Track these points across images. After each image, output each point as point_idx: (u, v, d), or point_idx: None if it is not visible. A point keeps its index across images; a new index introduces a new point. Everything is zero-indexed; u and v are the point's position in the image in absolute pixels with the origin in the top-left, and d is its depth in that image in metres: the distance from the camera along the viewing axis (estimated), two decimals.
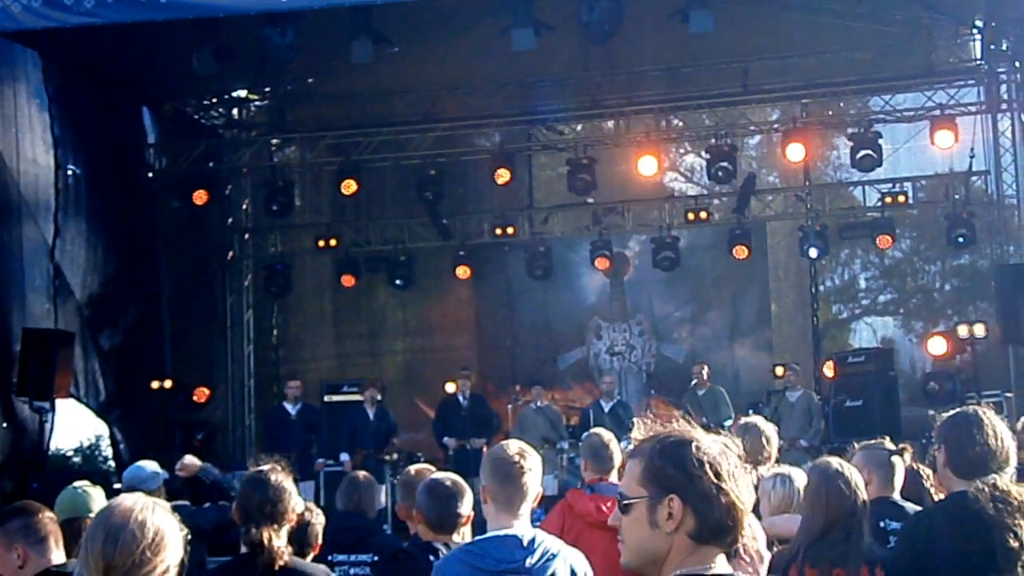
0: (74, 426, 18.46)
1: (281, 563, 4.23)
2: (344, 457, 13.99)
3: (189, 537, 2.89)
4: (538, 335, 18.50)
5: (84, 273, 14.87)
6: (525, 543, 3.84)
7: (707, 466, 2.32)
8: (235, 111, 18.96)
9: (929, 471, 5.35)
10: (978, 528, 3.77)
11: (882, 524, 4.89)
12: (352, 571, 5.84)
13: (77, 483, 5.46)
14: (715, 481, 2.31)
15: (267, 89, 18.49)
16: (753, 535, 2.41)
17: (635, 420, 2.52)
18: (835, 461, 4.67)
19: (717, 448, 2.37)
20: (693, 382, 14.83)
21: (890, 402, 13.93)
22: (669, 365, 17.86)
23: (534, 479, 4.00)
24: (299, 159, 18.56)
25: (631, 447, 2.47)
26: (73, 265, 14.61)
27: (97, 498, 5.26)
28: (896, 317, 20.53)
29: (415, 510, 4.69)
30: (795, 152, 16.13)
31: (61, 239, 14.29)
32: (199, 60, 13.09)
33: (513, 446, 4.08)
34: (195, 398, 16.83)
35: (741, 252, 17.02)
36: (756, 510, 4.69)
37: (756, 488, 4.77)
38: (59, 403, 13.66)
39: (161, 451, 13.74)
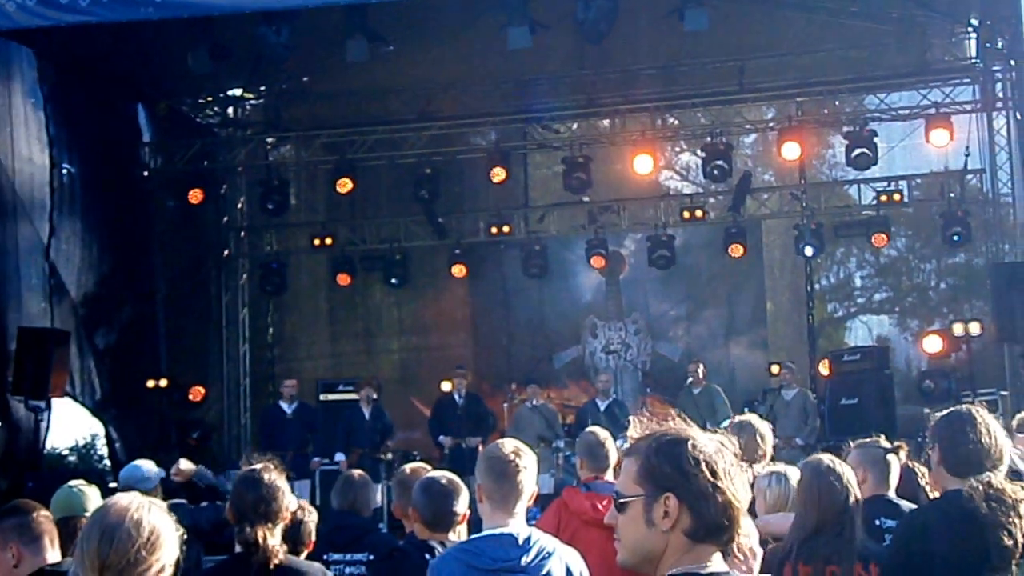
0: (70, 425, 18.51)
1: (276, 562, 4.23)
2: (340, 456, 13.97)
3: (185, 537, 2.88)
4: (534, 334, 18.50)
5: (79, 272, 14.86)
6: (521, 541, 3.84)
7: (703, 464, 2.32)
8: (230, 110, 18.94)
9: (924, 469, 5.35)
10: (972, 526, 3.78)
11: (878, 522, 4.90)
12: (348, 570, 5.84)
13: (73, 482, 5.45)
14: (711, 479, 2.32)
15: (262, 88, 18.48)
16: (746, 532, 2.40)
17: (631, 418, 2.52)
18: (827, 458, 4.67)
19: (713, 446, 2.37)
20: (689, 380, 14.84)
21: (886, 400, 13.93)
22: (665, 363, 17.86)
23: (529, 477, 4.00)
24: (294, 158, 18.55)
25: (627, 445, 2.47)
26: (68, 264, 14.60)
27: (93, 497, 5.26)
28: (891, 315, 20.59)
29: (411, 508, 4.69)
30: (790, 150, 16.15)
31: (56, 238, 14.29)
32: (194, 59, 13.09)
33: (508, 445, 4.08)
34: (190, 397, 16.83)
35: (737, 250, 17.03)
36: (752, 508, 4.70)
37: (752, 486, 4.77)
38: (55, 402, 13.65)
39: (157, 450, 13.78)
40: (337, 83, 16.90)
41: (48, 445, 14.33)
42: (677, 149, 20.56)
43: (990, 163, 16.46)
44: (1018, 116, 15.08)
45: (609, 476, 5.67)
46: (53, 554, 4.24)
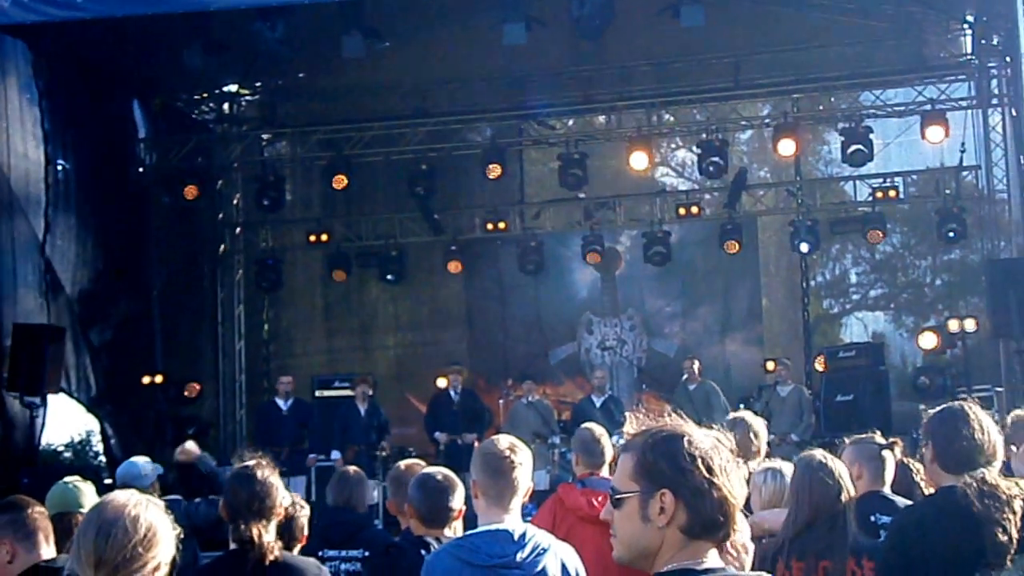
0: (65, 421, 18.49)
1: (272, 558, 4.23)
2: (335, 453, 13.97)
3: (182, 535, 2.89)
4: (529, 330, 18.49)
5: (74, 268, 14.84)
6: (516, 538, 3.84)
7: (699, 460, 2.33)
8: (226, 106, 18.90)
9: (919, 466, 5.36)
10: (967, 522, 3.78)
11: (872, 518, 4.90)
12: (343, 566, 5.84)
13: (68, 478, 5.44)
14: (707, 476, 2.32)
15: (258, 84, 18.44)
16: (738, 528, 2.41)
17: (627, 415, 2.52)
18: (819, 453, 4.68)
19: (709, 442, 2.37)
20: (684, 377, 14.86)
21: (881, 397, 13.93)
22: (660, 360, 17.87)
23: (525, 474, 4.00)
24: (290, 154, 18.54)
25: (623, 442, 2.47)
26: (64, 260, 14.58)
27: (88, 493, 5.25)
28: (887, 312, 20.58)
29: (406, 504, 4.69)
30: (786, 147, 16.17)
31: (51, 234, 14.27)
32: (189, 55, 13.08)
33: (504, 441, 4.07)
34: (186, 393, 16.80)
35: (732, 247, 17.03)
36: (747, 505, 4.71)
37: (747, 482, 4.78)
38: (50, 398, 13.61)
39: (152, 446, 13.77)
40: (333, 79, 16.89)
41: (43, 441, 14.29)
42: (673, 145, 20.57)
43: (986, 160, 16.49)
44: (1014, 112, 15.09)
45: (605, 472, 5.66)
46: (48, 550, 4.23)
